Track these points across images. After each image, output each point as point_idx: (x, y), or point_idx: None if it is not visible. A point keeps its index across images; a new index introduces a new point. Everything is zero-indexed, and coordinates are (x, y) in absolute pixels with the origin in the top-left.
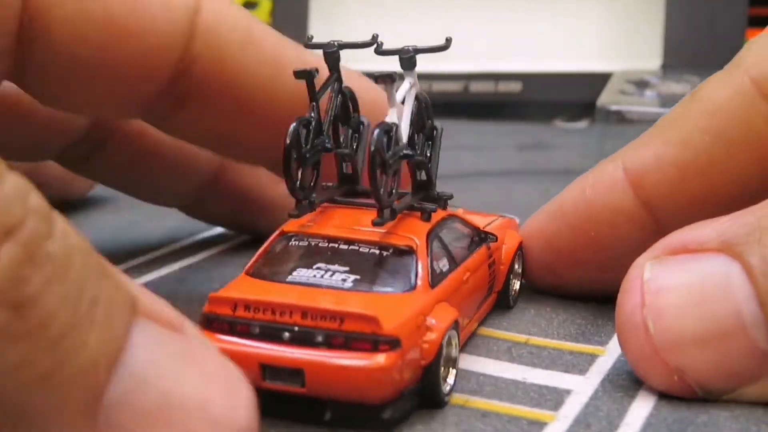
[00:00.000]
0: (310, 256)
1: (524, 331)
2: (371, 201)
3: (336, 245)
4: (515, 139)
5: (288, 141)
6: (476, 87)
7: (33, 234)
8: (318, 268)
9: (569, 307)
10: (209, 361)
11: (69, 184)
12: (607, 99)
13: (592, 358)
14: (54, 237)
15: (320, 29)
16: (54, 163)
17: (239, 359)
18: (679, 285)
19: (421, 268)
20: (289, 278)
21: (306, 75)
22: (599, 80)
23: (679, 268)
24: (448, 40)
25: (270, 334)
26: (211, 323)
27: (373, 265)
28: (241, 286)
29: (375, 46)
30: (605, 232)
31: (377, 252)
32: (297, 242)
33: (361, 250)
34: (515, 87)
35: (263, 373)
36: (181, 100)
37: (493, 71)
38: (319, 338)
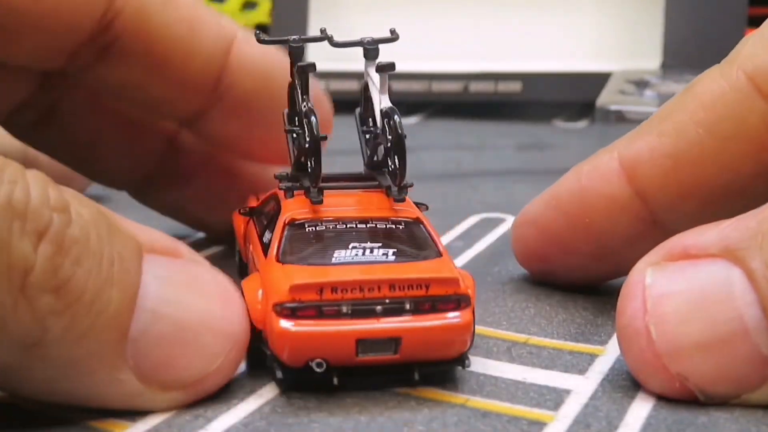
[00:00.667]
0: (337, 238)
1: (524, 330)
2: (343, 183)
3: (353, 225)
4: (515, 139)
5: (317, 133)
6: (476, 87)
7: (59, 229)
8: (354, 248)
9: (569, 306)
10: (206, 281)
11: (66, 181)
12: (606, 99)
13: (591, 358)
14: (73, 222)
15: (319, 30)
16: (51, 160)
17: (335, 340)
18: (681, 291)
19: (435, 236)
20: (335, 260)
21: (312, 68)
22: (599, 80)
23: (681, 274)
24: (393, 32)
25: (362, 310)
26: (296, 311)
27: (397, 238)
28: (301, 272)
29: (328, 39)
30: (599, 220)
31: (393, 227)
32: (313, 228)
33: (378, 226)
34: (515, 87)
35: (357, 348)
36: (103, 52)
37: (492, 71)
38: (409, 306)
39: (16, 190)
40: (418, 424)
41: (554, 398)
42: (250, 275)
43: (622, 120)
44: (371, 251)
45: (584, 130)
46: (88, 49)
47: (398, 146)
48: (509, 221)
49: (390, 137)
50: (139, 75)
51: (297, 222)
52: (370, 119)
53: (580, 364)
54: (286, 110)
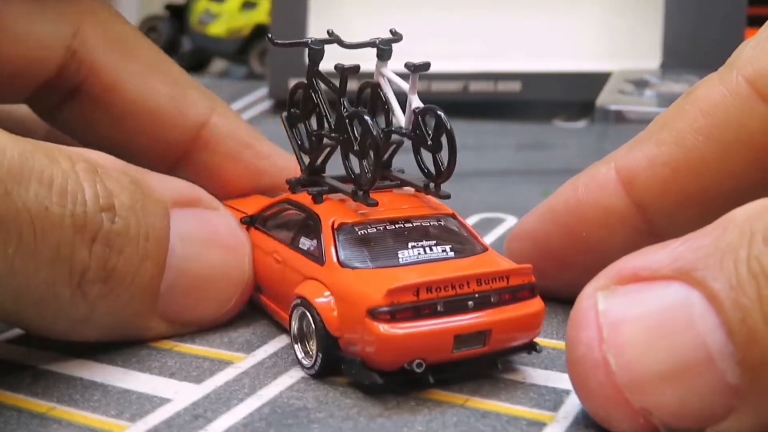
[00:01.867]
0: (391, 239)
1: None
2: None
3: (401, 225)
4: (514, 139)
5: (375, 133)
6: (476, 87)
7: (107, 228)
8: (414, 247)
9: (568, 307)
10: (221, 230)
11: None
12: (606, 99)
13: None
14: (117, 215)
15: (320, 30)
16: None
17: (435, 339)
18: (638, 317)
19: (471, 229)
20: (402, 260)
21: (355, 70)
22: (598, 80)
23: (635, 298)
24: (393, 32)
25: (455, 306)
26: (395, 314)
27: (443, 234)
28: (389, 275)
29: (338, 41)
30: (596, 232)
31: (435, 223)
32: (364, 230)
33: (423, 224)
34: (514, 87)
35: (454, 344)
36: (69, 94)
37: (492, 71)
38: (494, 299)
39: (77, 207)
40: (417, 425)
41: (554, 399)
42: (304, 283)
43: (621, 120)
44: (430, 249)
45: (584, 129)
46: (52, 90)
47: (450, 141)
48: (509, 221)
49: (430, 134)
50: (104, 122)
51: (346, 226)
52: (389, 118)
53: None
54: (284, 114)
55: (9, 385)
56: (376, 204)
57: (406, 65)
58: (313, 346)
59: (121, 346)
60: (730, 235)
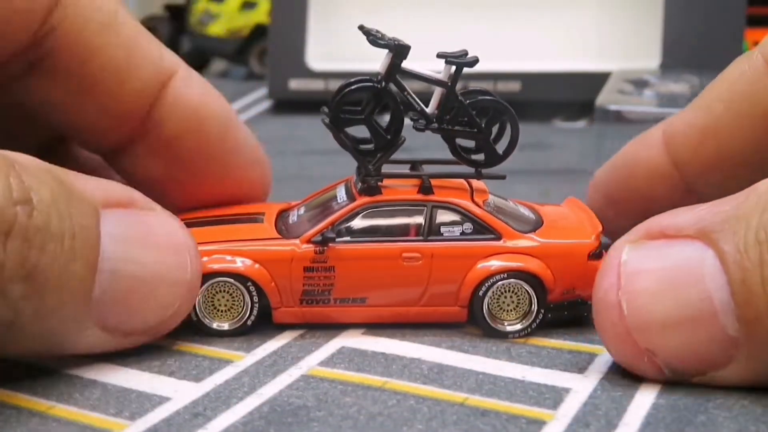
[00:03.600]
0: (506, 205)
1: None
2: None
3: (498, 196)
4: None
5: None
6: (475, 87)
7: (23, 222)
8: (521, 207)
9: None
10: (158, 230)
11: None
12: (605, 98)
13: (591, 357)
14: (35, 209)
15: (319, 30)
16: None
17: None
18: (654, 269)
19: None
20: (537, 221)
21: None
22: (598, 80)
23: (655, 252)
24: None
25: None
26: (600, 254)
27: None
28: (559, 232)
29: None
30: (643, 186)
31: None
32: (490, 203)
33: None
34: (514, 87)
35: None
36: (33, 66)
37: (492, 71)
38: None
39: None
40: (417, 423)
41: (553, 397)
42: (486, 261)
43: (621, 119)
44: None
45: (583, 129)
46: (19, 60)
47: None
48: None
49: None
50: (67, 94)
51: (486, 202)
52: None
53: (579, 363)
54: (326, 117)
55: (9, 383)
56: (504, 177)
57: (460, 62)
58: (526, 310)
59: None
60: (748, 204)
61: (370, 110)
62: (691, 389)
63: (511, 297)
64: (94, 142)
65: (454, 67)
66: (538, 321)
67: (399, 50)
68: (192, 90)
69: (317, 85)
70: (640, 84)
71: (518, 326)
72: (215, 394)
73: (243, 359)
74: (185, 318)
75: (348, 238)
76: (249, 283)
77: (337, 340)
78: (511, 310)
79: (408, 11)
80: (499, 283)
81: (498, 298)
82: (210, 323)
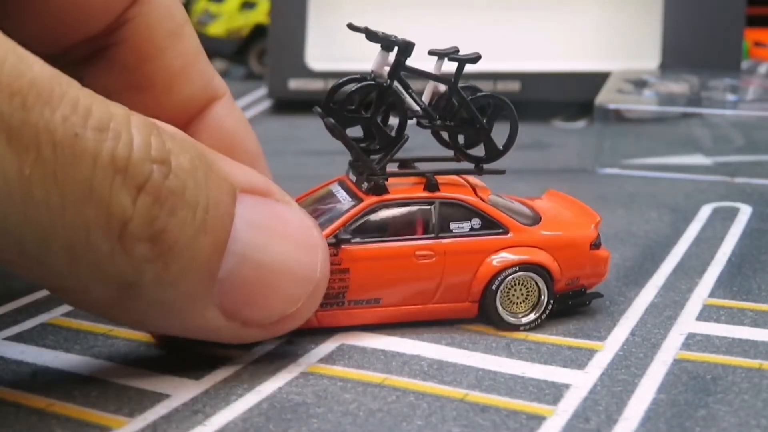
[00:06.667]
0: (508, 200)
1: None
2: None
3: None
4: None
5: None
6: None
7: (158, 181)
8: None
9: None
10: (292, 224)
11: None
12: (605, 98)
13: (590, 353)
14: (172, 172)
15: (319, 30)
16: None
17: None
18: None
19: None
20: (535, 216)
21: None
22: (597, 80)
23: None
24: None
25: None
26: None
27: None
28: (561, 225)
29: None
30: None
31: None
32: (496, 198)
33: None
34: (514, 87)
35: None
36: (96, 53)
37: (491, 71)
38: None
39: (120, 146)
40: (416, 419)
41: (553, 393)
42: (497, 255)
43: (620, 119)
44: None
45: (583, 129)
46: (86, 46)
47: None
48: None
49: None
50: (119, 89)
51: (492, 198)
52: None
53: (579, 359)
54: (324, 114)
55: (8, 381)
56: (503, 172)
57: (464, 58)
58: (535, 301)
59: (120, 343)
60: None
61: (374, 109)
62: (692, 384)
63: (520, 289)
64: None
65: (456, 64)
66: (548, 312)
67: (405, 47)
68: (230, 118)
69: (317, 84)
70: (639, 84)
71: (532, 316)
72: (215, 391)
73: (242, 357)
74: (306, 322)
75: (358, 239)
76: None
77: (336, 337)
78: (520, 303)
79: (407, 11)
80: (511, 276)
81: (508, 291)
82: None
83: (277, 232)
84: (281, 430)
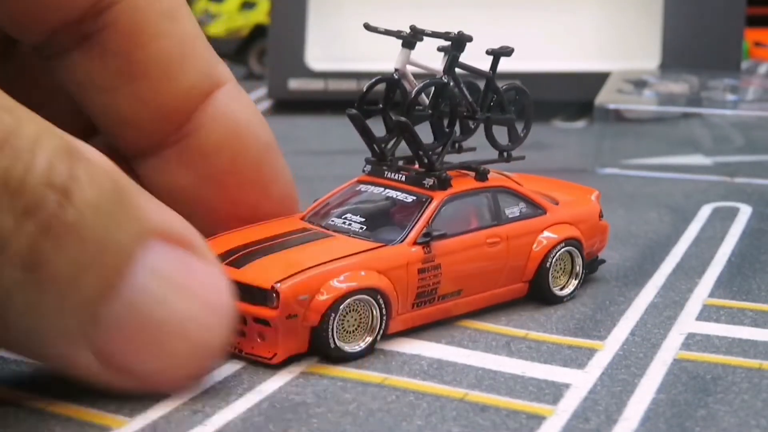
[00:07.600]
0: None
1: (523, 326)
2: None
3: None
4: None
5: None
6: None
7: (50, 210)
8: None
9: (568, 302)
10: (202, 282)
11: None
12: (605, 98)
13: (590, 352)
14: (71, 204)
15: (319, 30)
16: None
17: None
18: None
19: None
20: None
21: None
22: (597, 80)
23: None
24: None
25: None
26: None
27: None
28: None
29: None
30: None
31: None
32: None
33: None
34: None
35: None
36: (83, 39)
37: None
38: None
39: (16, 165)
40: (416, 419)
41: (553, 392)
42: (544, 234)
43: (620, 119)
44: None
45: (583, 129)
46: (70, 32)
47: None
48: None
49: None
50: (112, 78)
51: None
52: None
53: (579, 359)
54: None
55: (8, 381)
56: (524, 158)
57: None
58: (570, 272)
59: None
60: None
61: (432, 104)
62: (692, 384)
63: (562, 264)
64: (126, 138)
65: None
66: (583, 277)
67: (458, 42)
68: (237, 106)
69: (317, 84)
70: (639, 84)
71: (571, 287)
72: (214, 390)
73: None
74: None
75: (437, 237)
76: (378, 296)
77: None
78: (559, 277)
79: (408, 11)
80: (559, 252)
81: (554, 267)
82: (342, 347)
83: (181, 286)
84: (281, 430)
